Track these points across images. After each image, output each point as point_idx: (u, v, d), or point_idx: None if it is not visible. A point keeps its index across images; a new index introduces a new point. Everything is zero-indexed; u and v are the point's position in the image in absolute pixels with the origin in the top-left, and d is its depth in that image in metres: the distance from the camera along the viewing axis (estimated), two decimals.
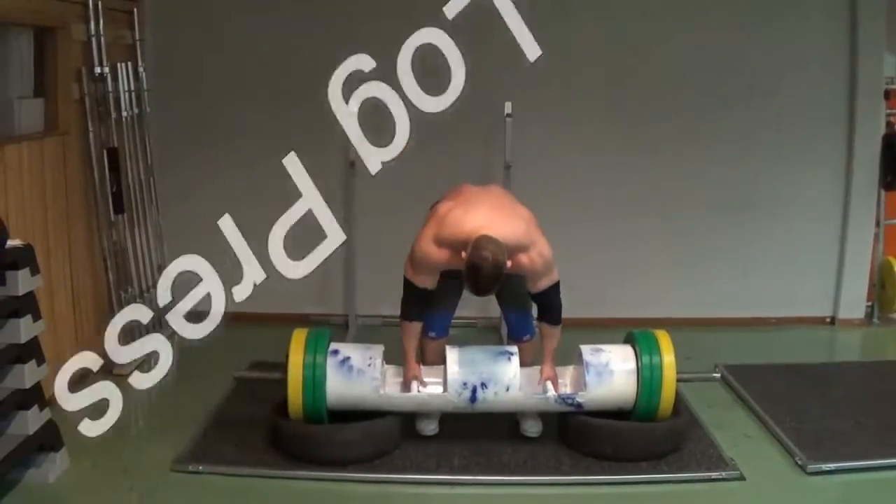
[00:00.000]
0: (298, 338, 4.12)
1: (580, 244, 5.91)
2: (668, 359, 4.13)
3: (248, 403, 4.63)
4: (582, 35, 5.99)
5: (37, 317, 3.76)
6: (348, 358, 4.12)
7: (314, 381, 4.01)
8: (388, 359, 4.28)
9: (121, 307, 5.15)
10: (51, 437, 3.86)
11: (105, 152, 5.11)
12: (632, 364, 4.16)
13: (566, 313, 6.05)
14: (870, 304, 6.43)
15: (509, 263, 3.80)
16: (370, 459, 4.04)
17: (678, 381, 4.15)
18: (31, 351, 3.72)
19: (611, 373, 4.15)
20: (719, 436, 4.40)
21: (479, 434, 4.32)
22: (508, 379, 4.12)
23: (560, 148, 6.06)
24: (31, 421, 3.72)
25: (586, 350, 4.23)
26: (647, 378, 4.10)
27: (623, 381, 4.14)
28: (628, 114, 6.07)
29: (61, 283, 4.78)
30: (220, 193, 6.07)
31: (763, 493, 3.96)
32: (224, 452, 4.14)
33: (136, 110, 5.54)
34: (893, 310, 6.36)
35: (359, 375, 4.08)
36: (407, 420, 4.27)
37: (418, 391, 4.13)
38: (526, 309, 4.41)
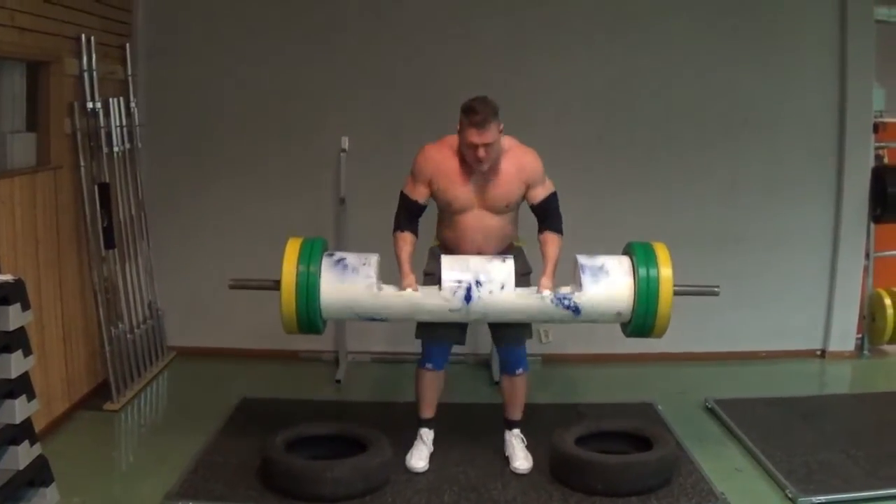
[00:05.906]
0: (293, 247, 4.10)
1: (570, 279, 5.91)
2: (666, 271, 4.09)
3: (238, 440, 4.61)
4: (572, 71, 6.03)
5: (27, 352, 3.75)
6: (343, 259, 4.13)
7: (308, 288, 4.01)
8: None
9: (111, 343, 5.18)
10: (41, 473, 3.83)
11: (96, 187, 5.12)
12: (627, 264, 4.15)
13: (558, 349, 6.14)
14: (860, 336, 6.45)
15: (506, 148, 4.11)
16: (360, 496, 4.01)
17: (676, 293, 4.10)
18: (21, 386, 3.70)
19: (606, 273, 4.12)
20: (710, 469, 4.38)
21: (469, 470, 4.31)
22: (503, 277, 4.08)
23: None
24: (22, 456, 3.70)
25: (582, 257, 4.21)
26: (644, 290, 4.07)
27: (619, 282, 4.10)
28: (618, 148, 6.10)
29: (52, 317, 4.77)
30: (211, 229, 6.10)
31: None
32: (214, 489, 4.11)
33: (127, 145, 5.56)
34: (883, 342, 6.38)
35: (353, 273, 4.08)
36: (397, 456, 4.27)
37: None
38: (519, 338, 4.39)
